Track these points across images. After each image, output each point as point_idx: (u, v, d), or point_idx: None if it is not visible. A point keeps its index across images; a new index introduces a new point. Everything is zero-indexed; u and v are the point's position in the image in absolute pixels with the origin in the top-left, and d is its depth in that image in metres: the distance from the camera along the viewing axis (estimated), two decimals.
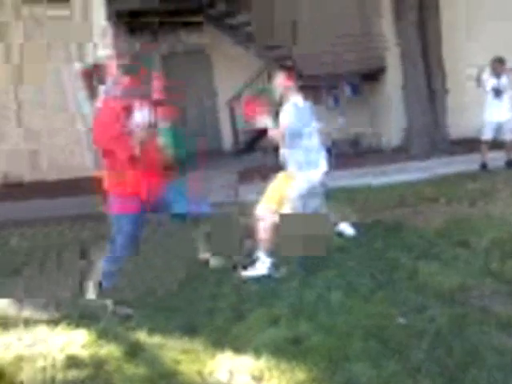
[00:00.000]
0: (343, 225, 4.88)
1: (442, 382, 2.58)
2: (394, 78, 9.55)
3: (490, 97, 7.05)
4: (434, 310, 3.27)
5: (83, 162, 9.18)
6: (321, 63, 9.31)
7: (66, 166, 9.47)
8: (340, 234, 4.81)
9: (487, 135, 7.13)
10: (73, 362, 3.11)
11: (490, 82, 7.00)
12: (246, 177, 8.21)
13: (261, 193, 4.31)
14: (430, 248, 4.22)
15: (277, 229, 4.04)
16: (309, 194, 4.09)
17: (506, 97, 7.02)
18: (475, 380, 2.55)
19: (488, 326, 3.04)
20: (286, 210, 4.05)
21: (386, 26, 9.59)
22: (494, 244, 4.14)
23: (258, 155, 9.72)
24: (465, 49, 9.51)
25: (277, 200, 4.13)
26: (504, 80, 6.97)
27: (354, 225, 4.93)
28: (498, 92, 6.98)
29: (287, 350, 3.00)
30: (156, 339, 3.32)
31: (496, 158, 7.15)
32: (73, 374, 3.01)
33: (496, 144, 7.20)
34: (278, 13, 9.70)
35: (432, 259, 3.98)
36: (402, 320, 3.23)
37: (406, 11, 8.75)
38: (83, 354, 3.20)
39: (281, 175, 4.25)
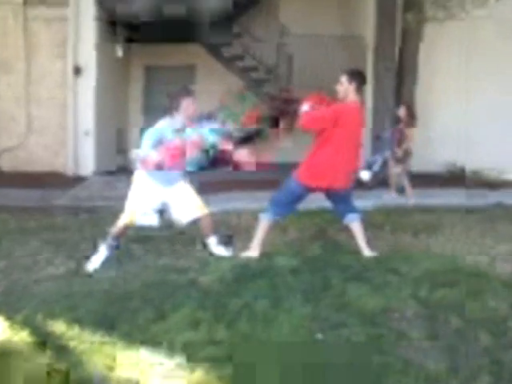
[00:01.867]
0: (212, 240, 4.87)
1: None
2: None
3: None
4: (352, 328, 3.30)
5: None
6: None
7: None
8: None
9: None
10: None
11: None
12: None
13: None
14: (363, 272, 4.25)
15: None
16: None
17: None
18: None
19: (402, 347, 3.08)
20: None
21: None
22: (425, 274, 4.19)
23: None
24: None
25: None
26: None
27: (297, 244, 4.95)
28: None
29: (201, 353, 3.01)
30: (72, 332, 3.30)
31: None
32: None
33: None
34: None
35: (363, 282, 4.00)
36: (319, 335, 3.26)
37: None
38: None
39: None
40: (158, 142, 4.45)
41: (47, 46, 9.77)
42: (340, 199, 4.79)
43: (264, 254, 4.70)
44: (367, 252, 4.75)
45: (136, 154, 4.54)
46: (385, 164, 8.19)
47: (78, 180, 9.33)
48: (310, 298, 3.76)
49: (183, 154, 4.55)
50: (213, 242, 4.83)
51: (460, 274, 4.20)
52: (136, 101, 11.98)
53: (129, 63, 11.71)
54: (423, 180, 8.73)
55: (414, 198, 7.75)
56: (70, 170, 9.80)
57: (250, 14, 10.52)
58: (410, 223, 5.99)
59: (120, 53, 10.74)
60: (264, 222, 4.72)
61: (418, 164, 8.64)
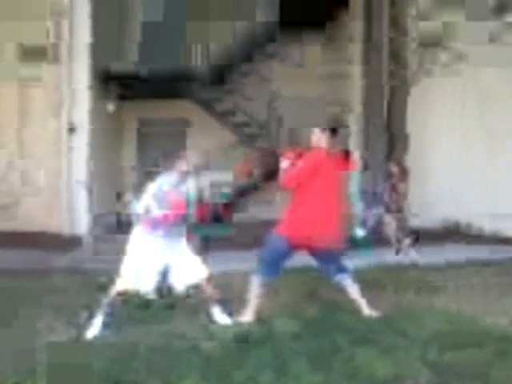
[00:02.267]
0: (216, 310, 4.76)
1: None
2: None
3: None
4: None
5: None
6: None
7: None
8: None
9: None
10: None
11: None
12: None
13: None
14: (369, 334, 4.17)
15: None
16: None
17: None
18: None
19: None
20: None
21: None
22: (434, 336, 4.13)
23: None
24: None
25: None
26: None
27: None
28: None
29: None
30: None
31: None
32: None
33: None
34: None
35: (370, 345, 3.92)
36: None
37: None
38: None
39: None
40: (157, 196, 4.49)
41: (41, 106, 9.83)
42: (330, 259, 4.68)
43: (261, 319, 4.60)
44: (367, 311, 4.67)
45: (133, 206, 4.64)
46: (380, 221, 8.23)
47: (74, 240, 9.18)
48: (317, 364, 3.66)
49: (183, 207, 4.57)
50: (216, 311, 4.72)
51: (468, 334, 4.14)
52: (130, 155, 12.06)
53: (121, 118, 11.83)
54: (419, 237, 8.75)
55: (411, 253, 7.74)
56: (65, 230, 9.68)
57: (241, 72, 10.76)
58: (411, 281, 5.94)
59: (111, 108, 10.86)
60: (255, 285, 4.63)
61: (414, 221, 8.65)
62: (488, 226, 9.40)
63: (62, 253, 8.12)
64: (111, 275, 6.39)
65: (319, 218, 4.50)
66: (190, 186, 4.70)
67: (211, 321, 4.68)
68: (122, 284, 4.48)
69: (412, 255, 7.72)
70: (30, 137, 9.86)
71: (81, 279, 6.60)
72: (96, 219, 9.89)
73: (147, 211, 4.49)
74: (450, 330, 4.27)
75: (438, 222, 9.68)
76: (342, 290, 4.83)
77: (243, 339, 4.13)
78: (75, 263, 7.48)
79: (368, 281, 5.68)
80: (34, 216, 9.71)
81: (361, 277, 5.86)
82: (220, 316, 4.69)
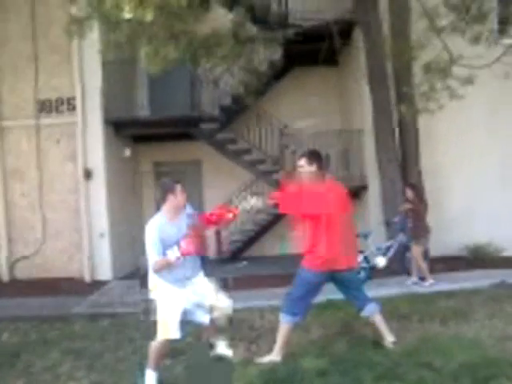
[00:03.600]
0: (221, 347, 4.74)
1: None
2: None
3: None
4: None
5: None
6: None
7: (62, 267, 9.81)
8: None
9: None
10: None
11: None
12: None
13: None
14: (394, 368, 4.08)
15: None
16: None
17: None
18: None
19: None
20: None
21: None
22: (463, 368, 4.01)
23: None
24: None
25: None
26: None
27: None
28: None
29: None
30: None
31: None
32: None
33: None
34: None
35: (395, 380, 3.84)
36: None
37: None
38: None
39: None
40: (162, 242, 4.18)
41: (58, 155, 10.07)
42: (348, 282, 4.67)
43: (289, 355, 4.55)
44: (390, 338, 4.63)
45: (146, 262, 4.31)
46: (400, 249, 8.12)
47: (95, 285, 9.23)
48: None
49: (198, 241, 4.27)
50: (221, 345, 4.72)
51: (499, 365, 4.02)
52: (148, 198, 12.21)
53: (137, 161, 12.04)
54: (440, 263, 8.63)
55: (432, 280, 7.62)
56: (86, 275, 9.75)
57: (253, 113, 10.95)
58: (436, 310, 5.80)
59: (128, 153, 11.07)
60: (284, 326, 4.59)
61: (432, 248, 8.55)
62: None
63: (84, 297, 8.13)
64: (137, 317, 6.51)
65: (340, 242, 4.52)
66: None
67: (215, 353, 4.69)
68: (162, 335, 4.24)
69: (430, 281, 7.61)
70: (48, 185, 10.02)
71: (105, 323, 6.59)
72: (116, 265, 9.96)
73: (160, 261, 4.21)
74: (479, 360, 4.14)
75: (456, 246, 9.57)
76: (370, 323, 4.79)
77: (268, 378, 4.07)
78: (98, 308, 7.47)
79: (392, 311, 5.60)
80: (54, 263, 9.81)
81: (384, 307, 5.84)
82: (225, 349, 4.71)
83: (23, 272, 9.92)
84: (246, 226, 11.02)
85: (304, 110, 11.52)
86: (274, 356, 4.57)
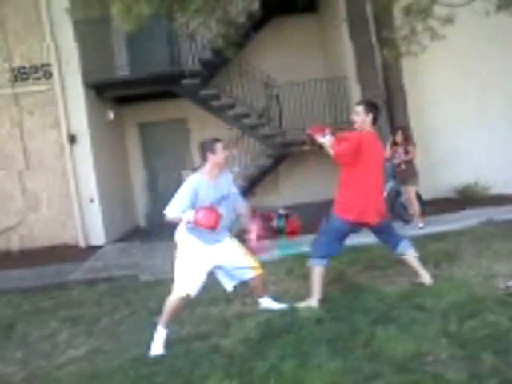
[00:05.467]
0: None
1: None
2: None
3: None
4: (386, 378, 3.21)
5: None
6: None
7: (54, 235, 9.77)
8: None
9: None
10: None
11: None
12: None
13: None
14: (388, 312, 4.17)
15: None
16: None
17: None
18: None
19: None
20: None
21: None
22: (452, 306, 4.12)
23: None
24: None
25: None
26: None
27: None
28: None
29: None
30: None
31: None
32: None
33: None
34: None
35: (389, 323, 3.92)
36: None
37: None
38: None
39: None
40: (194, 199, 4.16)
41: (39, 124, 9.86)
42: (383, 230, 4.80)
43: (289, 306, 4.65)
44: (427, 279, 4.79)
45: (172, 214, 4.17)
46: (391, 195, 8.15)
47: (90, 250, 9.24)
48: (338, 349, 3.68)
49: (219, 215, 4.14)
50: (267, 301, 4.70)
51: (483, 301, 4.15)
52: (135, 159, 12.13)
53: (122, 123, 11.88)
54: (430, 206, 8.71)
55: (422, 224, 7.70)
56: (80, 242, 9.74)
57: (234, 66, 10.72)
58: (428, 254, 5.83)
59: (111, 116, 10.89)
60: (315, 270, 4.65)
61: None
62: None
63: (79, 263, 8.17)
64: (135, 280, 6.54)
65: (371, 193, 4.60)
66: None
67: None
68: (179, 291, 4.18)
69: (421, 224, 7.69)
70: (34, 151, 9.88)
71: (102, 288, 6.62)
72: (109, 229, 9.97)
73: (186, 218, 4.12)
74: (466, 299, 4.25)
75: (447, 187, 9.66)
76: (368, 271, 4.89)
77: (265, 330, 4.15)
78: (94, 273, 7.52)
79: (386, 257, 5.68)
80: (46, 232, 9.79)
81: (378, 253, 5.94)
82: (271, 303, 4.69)
83: (13, 243, 9.84)
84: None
85: (286, 60, 11.29)
86: (312, 301, 4.63)
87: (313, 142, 4.75)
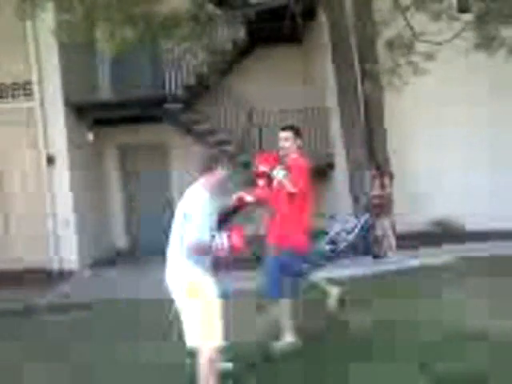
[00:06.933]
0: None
1: None
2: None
3: None
4: None
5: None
6: None
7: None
8: None
9: None
10: None
11: None
12: None
13: None
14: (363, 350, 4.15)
15: None
16: None
17: None
18: None
19: None
20: None
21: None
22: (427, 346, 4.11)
23: None
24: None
25: None
26: None
27: None
28: None
29: None
30: None
31: None
32: None
33: None
34: None
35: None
36: None
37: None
38: None
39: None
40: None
41: (17, 142, 9.72)
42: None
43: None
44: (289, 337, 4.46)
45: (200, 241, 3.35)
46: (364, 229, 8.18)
47: (63, 275, 9.01)
48: None
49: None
50: None
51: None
52: (114, 181, 11.99)
53: (101, 145, 11.76)
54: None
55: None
56: (53, 265, 9.50)
57: (217, 93, 10.77)
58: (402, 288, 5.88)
59: (91, 137, 10.79)
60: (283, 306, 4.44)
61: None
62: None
63: (51, 288, 7.95)
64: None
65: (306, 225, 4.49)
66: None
67: None
68: (215, 341, 3.39)
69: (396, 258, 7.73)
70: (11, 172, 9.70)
71: (75, 315, 6.41)
72: (84, 253, 9.77)
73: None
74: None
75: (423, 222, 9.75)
76: None
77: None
78: (66, 298, 7.32)
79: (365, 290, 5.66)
80: (18, 254, 9.53)
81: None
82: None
83: None
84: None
85: (269, 88, 11.38)
86: (288, 338, 4.45)
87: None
